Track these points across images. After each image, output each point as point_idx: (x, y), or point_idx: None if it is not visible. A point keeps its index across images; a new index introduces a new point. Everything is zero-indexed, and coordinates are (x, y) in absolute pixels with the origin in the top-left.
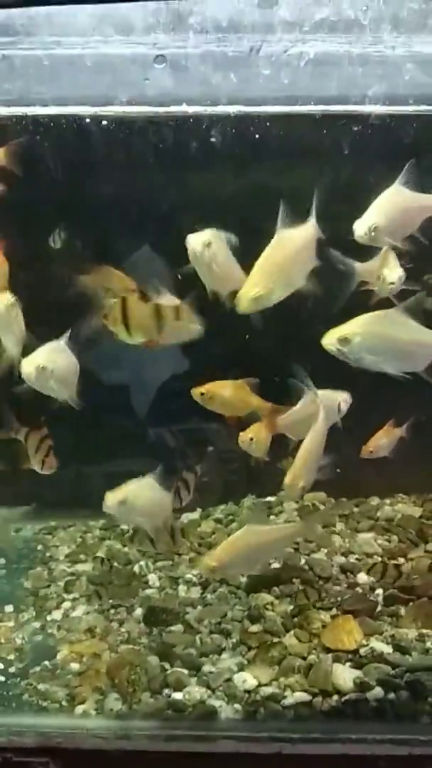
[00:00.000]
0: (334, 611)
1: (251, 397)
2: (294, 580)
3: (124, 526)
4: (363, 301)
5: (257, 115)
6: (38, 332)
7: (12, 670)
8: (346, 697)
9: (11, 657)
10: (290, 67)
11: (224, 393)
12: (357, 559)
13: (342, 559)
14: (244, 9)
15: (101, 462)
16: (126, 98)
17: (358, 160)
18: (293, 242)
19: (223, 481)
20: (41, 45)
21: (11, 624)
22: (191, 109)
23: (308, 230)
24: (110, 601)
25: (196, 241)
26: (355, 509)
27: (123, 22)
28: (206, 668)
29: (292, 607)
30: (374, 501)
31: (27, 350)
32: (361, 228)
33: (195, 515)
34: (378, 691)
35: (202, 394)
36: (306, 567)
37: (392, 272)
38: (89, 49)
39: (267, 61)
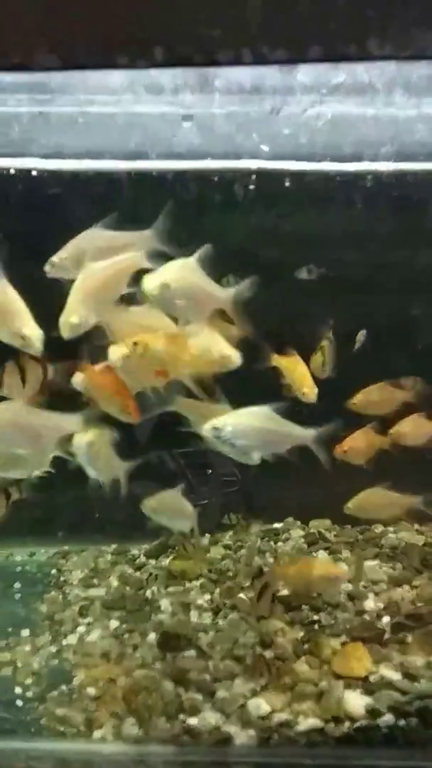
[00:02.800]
0: (343, 638)
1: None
2: (303, 606)
3: (135, 551)
4: None
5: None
6: None
7: (29, 694)
8: (358, 724)
9: (29, 681)
10: (308, 127)
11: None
12: (363, 586)
13: (349, 587)
14: (265, 73)
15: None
16: (155, 153)
17: (371, 213)
18: None
19: (221, 505)
20: (76, 103)
21: (28, 648)
22: (215, 164)
23: None
24: (124, 625)
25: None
26: (360, 537)
27: (153, 83)
28: (220, 694)
29: (302, 633)
30: (378, 528)
31: None
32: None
33: (204, 541)
34: (389, 718)
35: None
36: (314, 594)
37: None
38: (121, 107)
39: (287, 121)
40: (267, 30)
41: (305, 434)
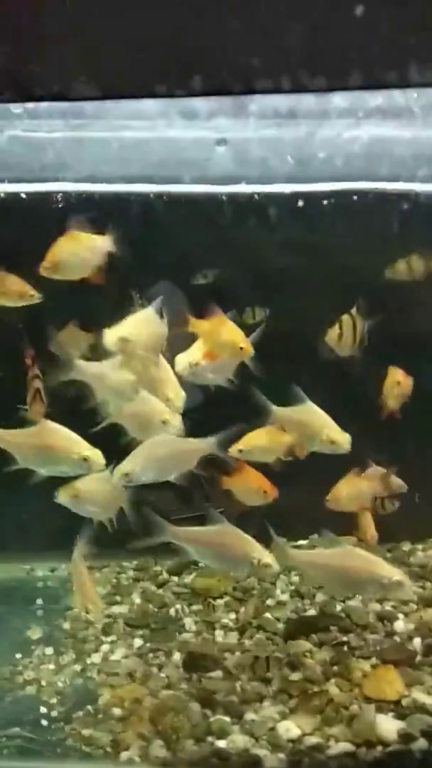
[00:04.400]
0: (373, 660)
1: None
2: (331, 627)
3: (158, 568)
4: None
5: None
6: None
7: (54, 714)
8: (390, 748)
9: (53, 701)
10: (344, 151)
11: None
12: (393, 606)
13: (378, 607)
14: (300, 96)
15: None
16: (189, 178)
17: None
18: None
19: (238, 515)
20: (110, 128)
21: (52, 667)
22: (250, 189)
23: None
24: (148, 644)
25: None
26: (388, 554)
27: (187, 108)
28: (248, 716)
29: (331, 655)
30: (406, 546)
31: None
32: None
33: None
34: (422, 743)
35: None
36: (342, 614)
37: None
38: (155, 132)
39: (322, 145)
40: (306, 58)
41: (206, 444)
